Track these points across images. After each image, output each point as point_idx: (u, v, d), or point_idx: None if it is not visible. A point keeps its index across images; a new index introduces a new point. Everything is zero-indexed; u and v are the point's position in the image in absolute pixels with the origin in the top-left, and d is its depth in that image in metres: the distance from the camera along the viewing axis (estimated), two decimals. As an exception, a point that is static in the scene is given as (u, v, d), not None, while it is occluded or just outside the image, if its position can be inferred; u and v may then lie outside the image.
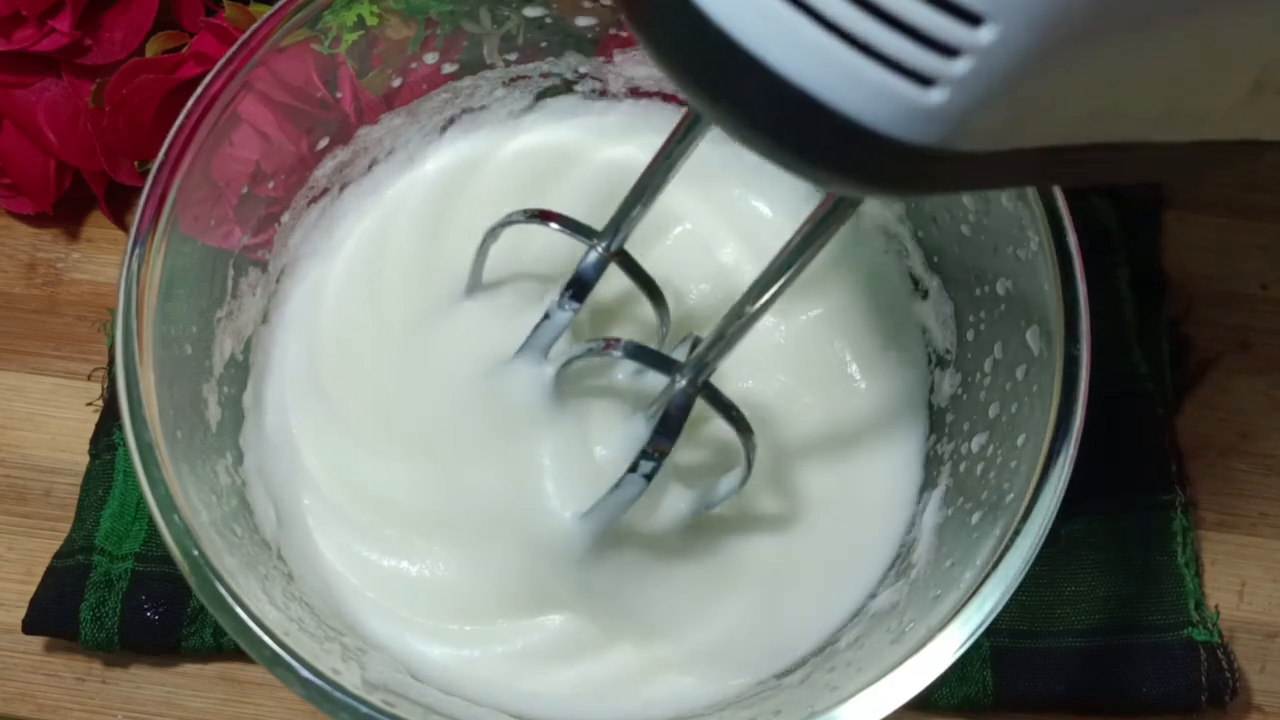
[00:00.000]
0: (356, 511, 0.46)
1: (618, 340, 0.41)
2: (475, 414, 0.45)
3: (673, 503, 0.43)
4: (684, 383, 0.39)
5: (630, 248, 0.43)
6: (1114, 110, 0.27)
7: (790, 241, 0.37)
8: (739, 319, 0.38)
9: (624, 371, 0.44)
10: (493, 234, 0.46)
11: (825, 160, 0.26)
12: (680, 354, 0.42)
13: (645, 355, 0.41)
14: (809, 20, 0.24)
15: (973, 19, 0.23)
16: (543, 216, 0.43)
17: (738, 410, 0.40)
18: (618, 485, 0.39)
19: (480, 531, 0.45)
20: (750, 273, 0.47)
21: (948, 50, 0.23)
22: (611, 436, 0.43)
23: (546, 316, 0.43)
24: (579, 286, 0.43)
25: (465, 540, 0.45)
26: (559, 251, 0.48)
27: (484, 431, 0.45)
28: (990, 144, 0.26)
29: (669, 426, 0.39)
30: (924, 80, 0.24)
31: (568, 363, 0.42)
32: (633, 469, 0.39)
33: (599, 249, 0.42)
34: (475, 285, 0.47)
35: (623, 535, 0.44)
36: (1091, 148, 0.28)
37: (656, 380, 0.42)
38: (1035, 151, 0.27)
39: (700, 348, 0.39)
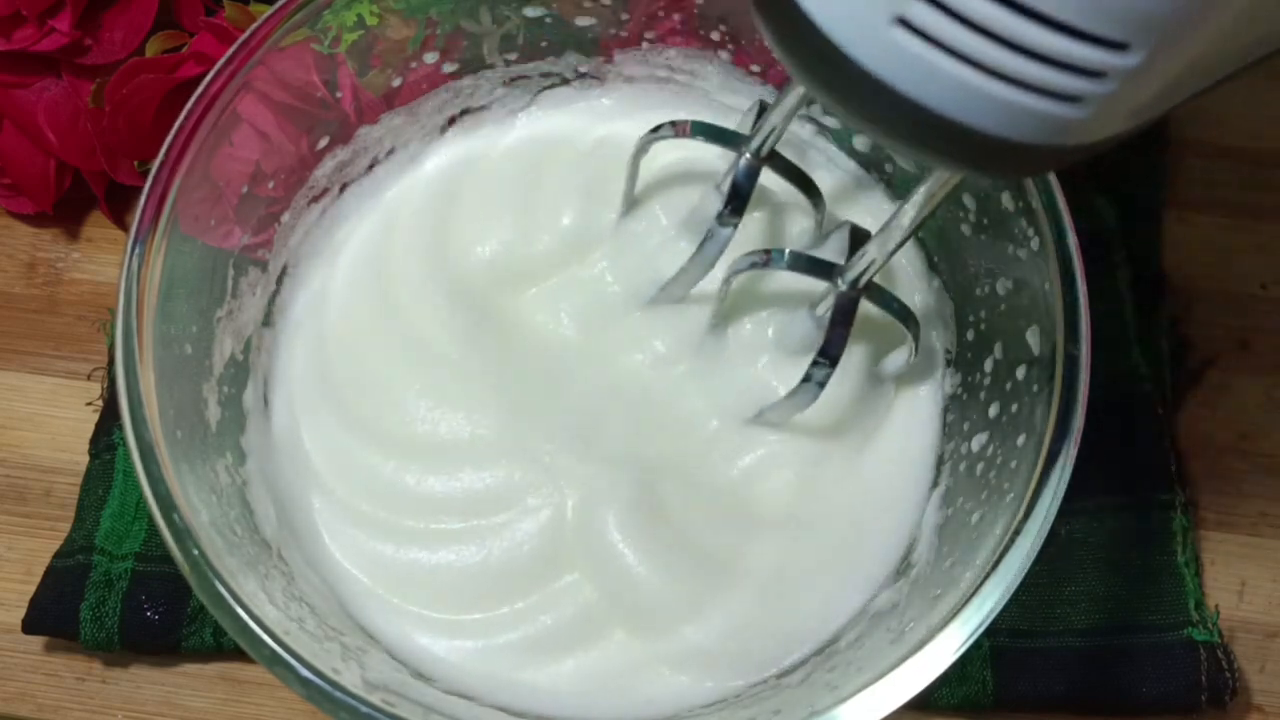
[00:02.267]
0: (373, 508, 0.46)
1: (774, 252, 0.42)
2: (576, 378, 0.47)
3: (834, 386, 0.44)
4: (846, 286, 0.40)
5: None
6: (1248, 46, 0.28)
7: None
8: (897, 225, 0.38)
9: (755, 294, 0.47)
10: (643, 148, 0.46)
11: (969, 164, 0.29)
12: (831, 248, 0.43)
13: (804, 263, 0.42)
14: (957, 61, 0.25)
15: (1118, 46, 0.24)
16: (680, 130, 0.44)
17: (901, 304, 0.42)
18: (792, 394, 0.42)
19: (515, 494, 0.46)
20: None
21: (1094, 74, 0.25)
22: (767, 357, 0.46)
23: (709, 236, 0.44)
24: (737, 199, 0.43)
25: (497, 508, 0.46)
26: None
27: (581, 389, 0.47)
28: (1127, 126, 0.28)
29: (838, 331, 0.41)
30: (1069, 99, 0.25)
31: (730, 276, 0.43)
32: (807, 379, 0.42)
33: (747, 155, 0.43)
34: (630, 203, 0.48)
35: (636, 507, 0.45)
36: (1218, 82, 0.29)
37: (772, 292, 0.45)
38: (1180, 101, 0.29)
39: (861, 253, 0.40)
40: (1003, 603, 0.37)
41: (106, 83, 0.51)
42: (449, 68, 0.50)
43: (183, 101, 0.42)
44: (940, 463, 0.47)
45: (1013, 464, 0.40)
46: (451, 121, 0.52)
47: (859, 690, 0.36)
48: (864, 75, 0.26)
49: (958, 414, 0.46)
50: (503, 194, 0.51)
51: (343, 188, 0.50)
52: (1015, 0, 0.24)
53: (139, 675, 0.49)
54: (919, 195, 0.37)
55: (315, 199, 0.49)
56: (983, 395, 0.44)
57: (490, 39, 0.50)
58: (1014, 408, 0.42)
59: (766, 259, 0.42)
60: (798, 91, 0.40)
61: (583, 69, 0.52)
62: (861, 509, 0.47)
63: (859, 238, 0.42)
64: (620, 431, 0.47)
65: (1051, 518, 0.38)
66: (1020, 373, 0.42)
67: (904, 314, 0.42)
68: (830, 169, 0.51)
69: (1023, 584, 0.37)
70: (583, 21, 0.50)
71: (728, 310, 0.46)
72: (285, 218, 0.48)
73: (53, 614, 0.48)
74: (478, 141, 0.52)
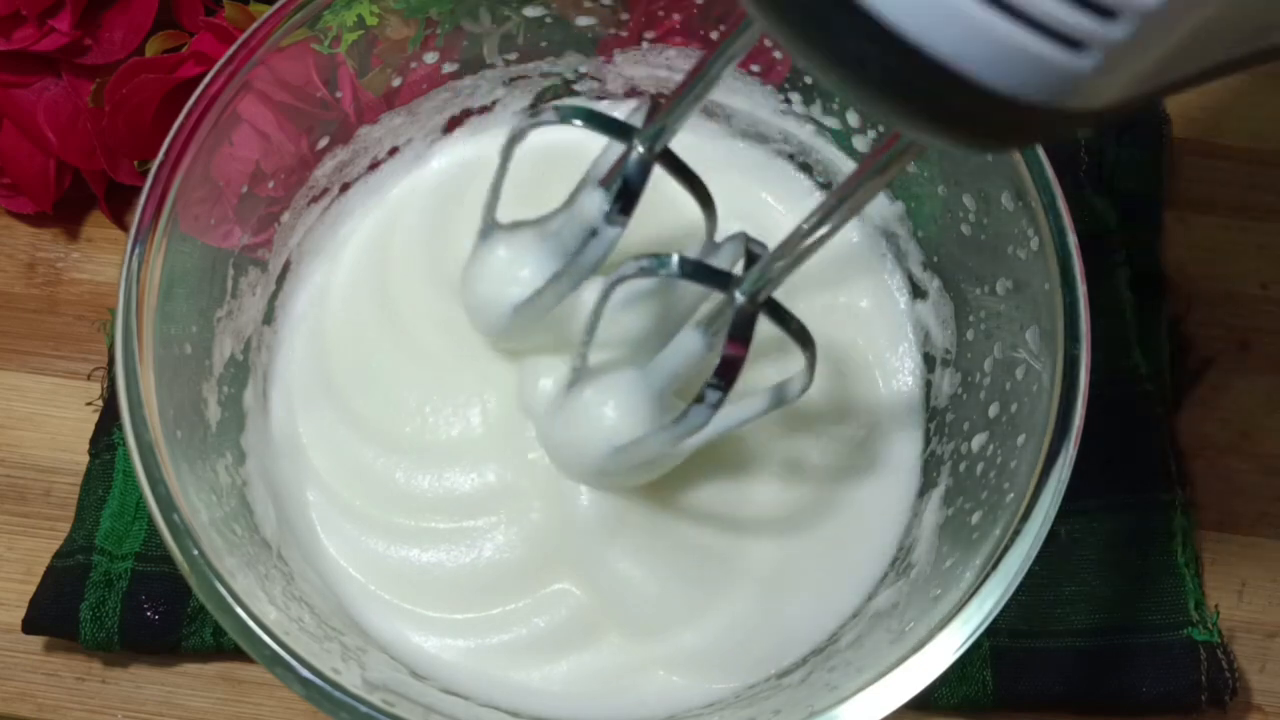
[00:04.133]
0: (366, 505, 0.46)
1: (664, 258, 0.38)
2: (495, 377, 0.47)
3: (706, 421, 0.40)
4: (744, 300, 0.36)
5: (632, 225, 0.40)
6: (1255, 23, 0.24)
7: (874, 151, 0.33)
8: (806, 236, 0.35)
9: (651, 301, 0.43)
10: (515, 141, 0.42)
11: (949, 124, 0.24)
12: (721, 259, 0.40)
13: (700, 272, 0.38)
14: None
15: None
16: (569, 114, 0.40)
17: (800, 323, 0.38)
18: (683, 416, 0.38)
19: (505, 497, 0.46)
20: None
21: (1105, 12, 0.21)
22: (659, 362, 0.41)
23: (594, 234, 0.40)
24: (626, 196, 0.39)
25: (487, 510, 0.46)
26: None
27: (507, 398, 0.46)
28: (1132, 91, 0.24)
29: (736, 350, 0.36)
30: (1072, 44, 0.22)
31: (613, 284, 0.39)
32: (699, 399, 0.37)
33: (639, 149, 0.39)
34: (490, 217, 0.45)
35: (630, 512, 0.45)
36: (1242, 60, 0.26)
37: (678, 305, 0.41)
38: (1182, 79, 0.25)
39: (762, 261, 0.36)
40: (1003, 603, 0.37)
41: (106, 83, 0.51)
42: (449, 68, 0.50)
43: (183, 101, 0.42)
44: (934, 461, 0.47)
45: (1013, 464, 0.40)
46: (455, 122, 0.52)
47: (859, 690, 0.36)
48: (850, 7, 0.22)
49: (958, 414, 0.46)
50: (506, 200, 0.51)
51: (343, 188, 0.50)
52: None
53: (139, 675, 0.49)
54: (835, 202, 0.34)
55: (315, 199, 0.49)
56: (983, 395, 0.44)
57: (490, 39, 0.50)
58: (1014, 408, 0.42)
59: (655, 265, 0.38)
60: (704, 81, 0.37)
61: (583, 69, 0.52)
62: (852, 509, 0.47)
63: (754, 251, 0.39)
64: None
65: (1051, 518, 0.38)
66: (1020, 373, 0.42)
67: (802, 335, 0.38)
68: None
69: (1023, 584, 0.37)
70: (583, 21, 0.50)
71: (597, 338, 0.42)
72: (285, 217, 0.48)
73: (52, 614, 0.48)
74: (484, 144, 0.52)
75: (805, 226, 0.35)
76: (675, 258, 0.38)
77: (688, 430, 0.38)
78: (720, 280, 0.37)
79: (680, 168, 0.40)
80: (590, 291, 0.42)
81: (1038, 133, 0.25)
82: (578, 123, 0.40)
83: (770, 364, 0.46)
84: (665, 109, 0.38)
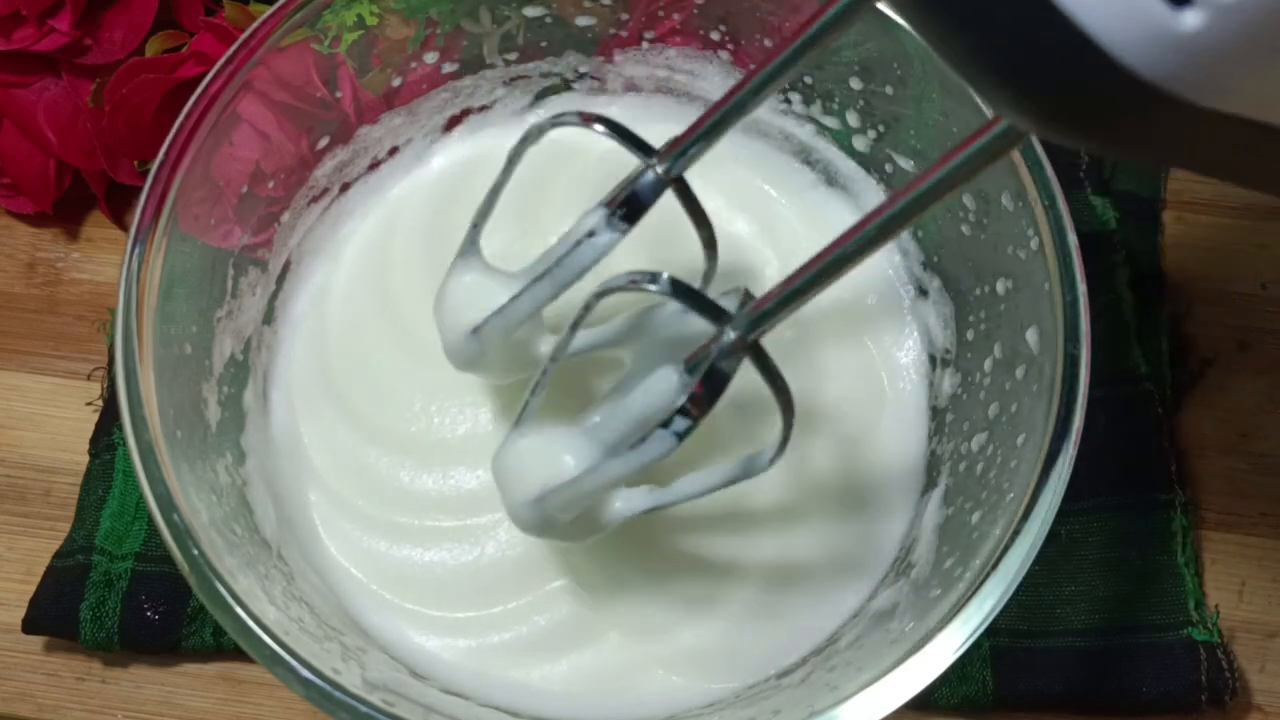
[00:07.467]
0: (367, 504, 0.46)
1: (659, 274, 0.35)
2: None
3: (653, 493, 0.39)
4: (734, 336, 0.34)
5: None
6: None
7: (916, 182, 0.31)
8: (816, 277, 0.33)
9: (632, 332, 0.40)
10: (529, 142, 0.40)
11: (1031, 76, 0.22)
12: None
13: (692, 297, 0.35)
14: None
15: None
16: (593, 120, 0.38)
17: (784, 381, 0.35)
18: (644, 440, 0.36)
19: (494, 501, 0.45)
20: (761, 247, 0.50)
21: None
22: (619, 408, 0.38)
23: (591, 234, 0.38)
24: (632, 206, 0.37)
25: (491, 507, 0.46)
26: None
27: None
28: (1236, 104, 0.21)
29: (713, 384, 0.34)
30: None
31: (599, 294, 0.37)
32: (665, 425, 0.35)
33: (657, 170, 0.37)
34: (482, 221, 0.42)
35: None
36: None
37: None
38: None
39: (763, 297, 0.34)
40: (1003, 603, 0.37)
41: (106, 83, 0.51)
42: (449, 68, 0.50)
43: (183, 101, 0.42)
44: (934, 461, 0.47)
45: (1013, 464, 0.40)
46: (454, 121, 0.52)
47: (859, 690, 0.36)
48: None
49: (958, 414, 0.46)
50: (507, 198, 0.51)
51: (343, 187, 0.50)
52: None
53: (139, 675, 0.49)
54: (848, 246, 0.33)
55: (315, 199, 0.49)
56: (983, 395, 0.44)
57: (490, 39, 0.50)
58: (1014, 408, 0.42)
59: (644, 279, 0.35)
60: (735, 110, 0.36)
61: (583, 69, 0.52)
62: (854, 508, 0.47)
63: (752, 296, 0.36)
64: None
65: (1051, 518, 0.38)
66: (1020, 373, 0.42)
67: (784, 394, 0.35)
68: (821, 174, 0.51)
69: (1023, 584, 0.37)
70: (583, 21, 0.50)
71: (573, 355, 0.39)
72: (285, 217, 0.48)
73: (52, 614, 0.48)
74: (484, 143, 0.52)
75: (813, 269, 0.33)
76: (666, 275, 0.35)
77: (647, 459, 0.35)
78: (713, 311, 0.35)
79: (691, 199, 0.39)
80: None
81: (1131, 123, 0.22)
82: (599, 129, 0.38)
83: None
84: (690, 135, 0.37)
